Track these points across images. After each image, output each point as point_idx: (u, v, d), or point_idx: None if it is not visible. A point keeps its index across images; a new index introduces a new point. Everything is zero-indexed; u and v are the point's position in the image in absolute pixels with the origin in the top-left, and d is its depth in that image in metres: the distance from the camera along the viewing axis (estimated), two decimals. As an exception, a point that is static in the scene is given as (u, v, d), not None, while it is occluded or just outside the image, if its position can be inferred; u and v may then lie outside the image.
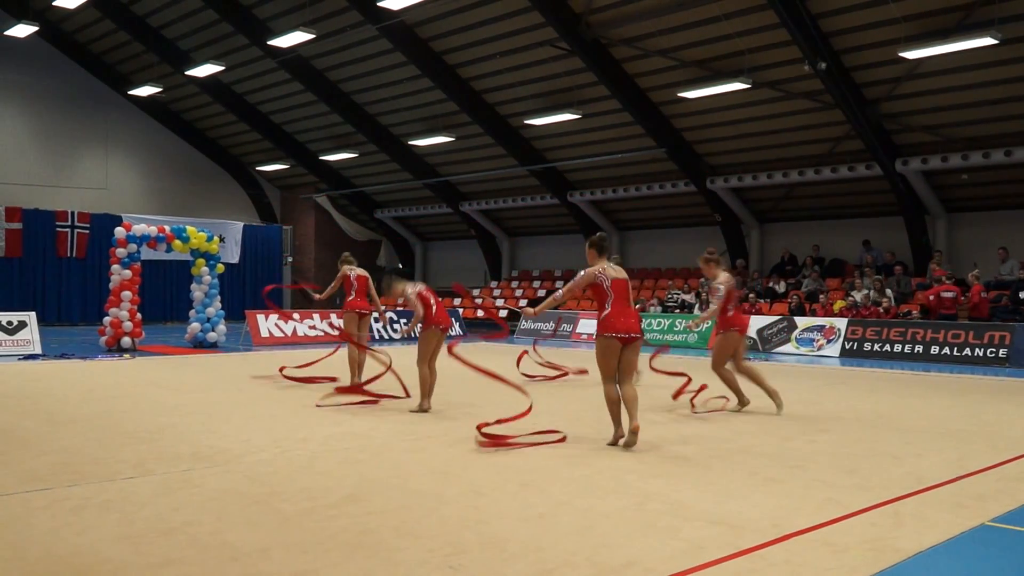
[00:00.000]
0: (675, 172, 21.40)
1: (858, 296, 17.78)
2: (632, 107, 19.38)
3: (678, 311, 20.36)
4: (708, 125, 19.75)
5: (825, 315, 17.69)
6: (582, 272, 6.87)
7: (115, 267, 15.66)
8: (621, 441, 6.70)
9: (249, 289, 27.33)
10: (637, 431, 6.58)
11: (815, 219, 21.10)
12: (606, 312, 6.69)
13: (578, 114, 19.96)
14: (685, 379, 9.45)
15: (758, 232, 22.01)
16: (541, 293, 24.99)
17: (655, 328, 19.45)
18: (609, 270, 6.81)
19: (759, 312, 18.74)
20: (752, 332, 17.86)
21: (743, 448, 6.70)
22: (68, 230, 23.97)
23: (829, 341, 16.81)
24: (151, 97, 26.21)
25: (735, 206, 21.39)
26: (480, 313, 24.35)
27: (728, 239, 22.28)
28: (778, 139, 19.34)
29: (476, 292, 25.90)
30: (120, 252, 15.62)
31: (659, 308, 20.82)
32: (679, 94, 17.84)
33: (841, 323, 16.92)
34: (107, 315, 15.66)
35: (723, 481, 5.54)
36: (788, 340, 17.33)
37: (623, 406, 6.71)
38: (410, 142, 24.16)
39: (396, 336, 19.78)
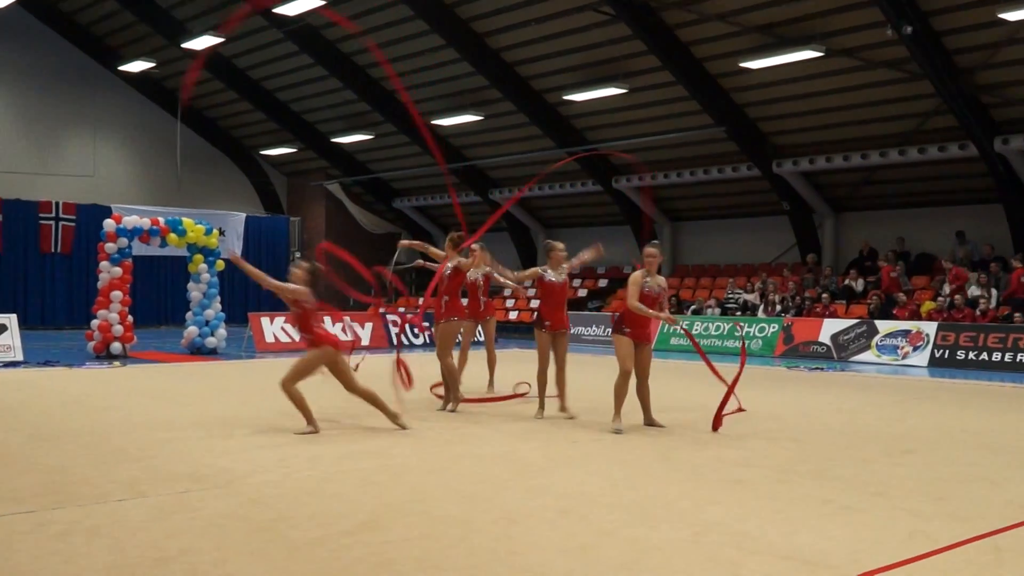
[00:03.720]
0: (736, 154, 21.25)
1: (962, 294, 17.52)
2: (687, 80, 19.28)
3: (739, 313, 20.22)
4: (775, 100, 19.58)
5: (911, 318, 17.47)
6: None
7: (104, 264, 15.91)
8: (449, 407, 9.60)
9: (252, 289, 27.61)
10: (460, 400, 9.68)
11: (899, 207, 20.82)
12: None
13: (624, 88, 19.89)
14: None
15: (833, 222, 21.79)
16: (582, 293, 24.95)
17: (712, 334, 19.32)
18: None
19: (834, 315, 18.57)
20: (826, 338, 17.70)
21: (815, 471, 6.64)
22: (52, 223, 24.36)
23: (916, 348, 16.58)
24: (143, 73, 26.58)
25: (806, 193, 21.20)
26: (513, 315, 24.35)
27: (798, 230, 22.08)
28: (856, 115, 19.11)
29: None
30: (109, 247, 15.86)
31: (717, 310, 20.69)
32: (741, 64, 17.69)
33: (930, 327, 16.68)
34: (95, 317, 15.91)
35: (792, 509, 5.50)
36: (868, 347, 17.14)
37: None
38: (433, 122, 24.24)
39: (417, 341, 19.87)
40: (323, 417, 9.08)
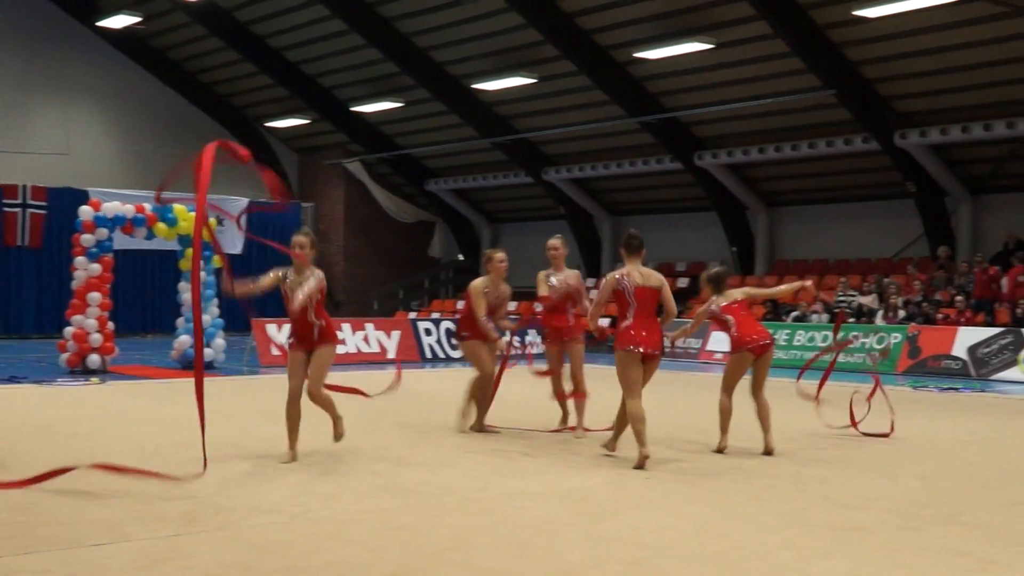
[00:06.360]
0: (849, 123, 21.03)
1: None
2: (786, 31, 19.12)
3: (853, 320, 19.99)
4: (897, 56, 19.34)
5: (1069, 327, 17.21)
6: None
7: (79, 260, 16.12)
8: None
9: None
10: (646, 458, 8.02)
11: (1055, 188, 20.53)
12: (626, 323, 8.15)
13: (709, 43, 19.77)
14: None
15: (969, 207, 21.52)
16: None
17: (820, 345, 19.08)
18: (635, 274, 8.20)
19: (971, 322, 18.31)
20: (962, 351, 17.47)
21: (948, 516, 6.55)
22: (18, 210, 24.79)
23: (1076, 364, 16.38)
24: (127, 29, 26.91)
25: (936, 171, 20.92)
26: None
27: (926, 218, 21.79)
28: (1000, 73, 18.84)
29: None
30: (86, 239, 16.08)
31: (825, 317, 20.48)
32: (853, 12, 17.48)
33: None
34: (69, 324, 16.13)
35: (920, 563, 5.43)
36: (1014, 362, 16.95)
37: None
38: (475, 85, 24.29)
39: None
40: (342, 444, 9.14)
